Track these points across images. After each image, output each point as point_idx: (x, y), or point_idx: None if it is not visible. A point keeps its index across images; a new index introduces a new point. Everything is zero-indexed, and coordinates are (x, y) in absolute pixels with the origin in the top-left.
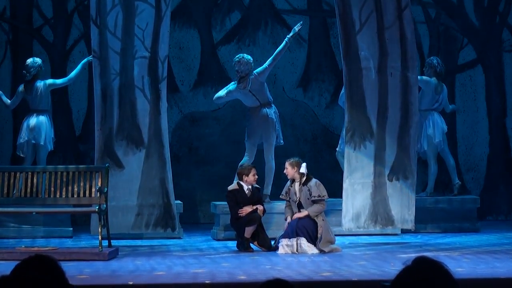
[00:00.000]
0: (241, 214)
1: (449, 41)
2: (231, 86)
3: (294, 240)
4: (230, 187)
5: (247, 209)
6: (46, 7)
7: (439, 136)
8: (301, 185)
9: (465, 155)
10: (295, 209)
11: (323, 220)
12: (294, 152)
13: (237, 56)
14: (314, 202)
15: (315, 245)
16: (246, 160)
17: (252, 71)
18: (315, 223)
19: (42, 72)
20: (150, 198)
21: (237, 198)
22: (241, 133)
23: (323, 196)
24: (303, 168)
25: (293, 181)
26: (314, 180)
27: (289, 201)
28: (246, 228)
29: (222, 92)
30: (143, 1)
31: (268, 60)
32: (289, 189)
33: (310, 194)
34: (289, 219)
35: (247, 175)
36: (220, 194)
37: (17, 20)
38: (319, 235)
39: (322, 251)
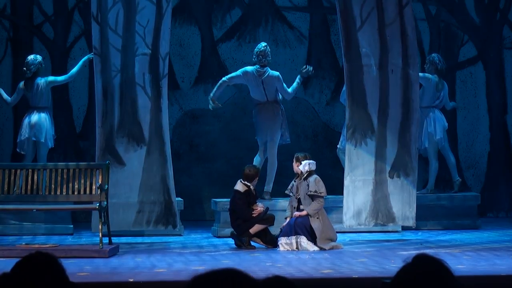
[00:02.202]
0: (254, 215)
1: (449, 38)
2: (247, 67)
3: (293, 239)
4: (241, 189)
5: (260, 209)
6: (47, 4)
7: (440, 133)
8: (302, 180)
9: (465, 152)
10: (295, 203)
11: (318, 218)
12: (295, 149)
13: (266, 44)
14: (310, 197)
15: (315, 243)
16: (258, 160)
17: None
18: (314, 222)
19: (42, 69)
20: (151, 195)
21: (249, 200)
22: (242, 130)
23: (320, 193)
24: (305, 166)
25: (298, 176)
26: (314, 176)
27: (291, 196)
28: (257, 225)
29: (236, 72)
30: None
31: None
32: (293, 184)
33: (308, 188)
34: (288, 219)
35: (258, 177)
36: (221, 191)
37: (18, 17)
38: (317, 235)
39: (322, 249)
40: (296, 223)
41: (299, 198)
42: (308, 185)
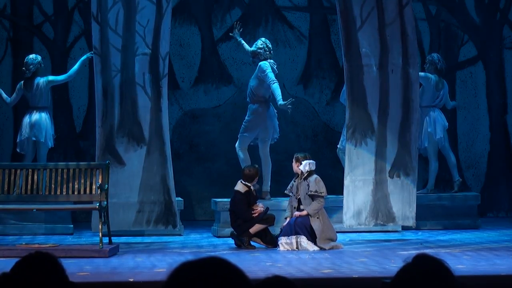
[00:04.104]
0: (255, 215)
1: (449, 38)
2: (269, 64)
3: (293, 238)
4: (241, 189)
5: (260, 209)
6: (47, 4)
7: (440, 133)
8: (302, 180)
9: (465, 152)
10: (295, 203)
11: (318, 218)
12: (295, 149)
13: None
14: (310, 197)
15: (315, 242)
16: (248, 159)
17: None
18: (314, 222)
19: (42, 69)
20: (151, 195)
21: (249, 200)
22: None
23: (321, 193)
24: (305, 166)
25: (298, 176)
26: (314, 176)
27: (291, 196)
28: (257, 225)
29: (272, 76)
30: None
31: (269, 79)
32: (292, 184)
33: (308, 188)
34: (288, 219)
35: (258, 177)
36: (221, 191)
37: (18, 17)
38: (317, 235)
39: (322, 248)
40: (296, 223)
41: (299, 198)
42: (308, 185)
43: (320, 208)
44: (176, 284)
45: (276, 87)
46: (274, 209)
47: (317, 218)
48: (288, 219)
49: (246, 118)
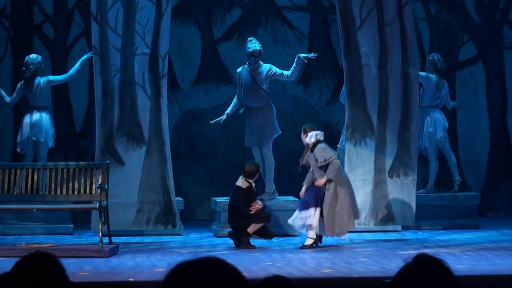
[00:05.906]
0: (252, 212)
1: (449, 37)
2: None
3: (315, 210)
4: (243, 185)
5: (258, 207)
6: (47, 4)
7: (441, 133)
8: (309, 153)
9: (465, 152)
10: (310, 174)
11: (336, 200)
12: (295, 149)
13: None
14: (321, 168)
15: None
16: (270, 163)
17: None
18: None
19: (42, 68)
20: (150, 195)
21: (250, 196)
22: (242, 130)
23: (330, 158)
24: (311, 137)
25: (306, 148)
26: (318, 146)
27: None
28: (253, 225)
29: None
30: None
31: (284, 72)
32: (305, 157)
33: (317, 161)
34: (303, 190)
35: (258, 173)
36: (221, 190)
37: (18, 17)
38: (324, 221)
39: (333, 234)
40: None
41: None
42: (315, 157)
43: (336, 169)
44: (174, 284)
45: (292, 69)
46: (275, 209)
47: (335, 201)
48: (304, 187)
49: (266, 121)
